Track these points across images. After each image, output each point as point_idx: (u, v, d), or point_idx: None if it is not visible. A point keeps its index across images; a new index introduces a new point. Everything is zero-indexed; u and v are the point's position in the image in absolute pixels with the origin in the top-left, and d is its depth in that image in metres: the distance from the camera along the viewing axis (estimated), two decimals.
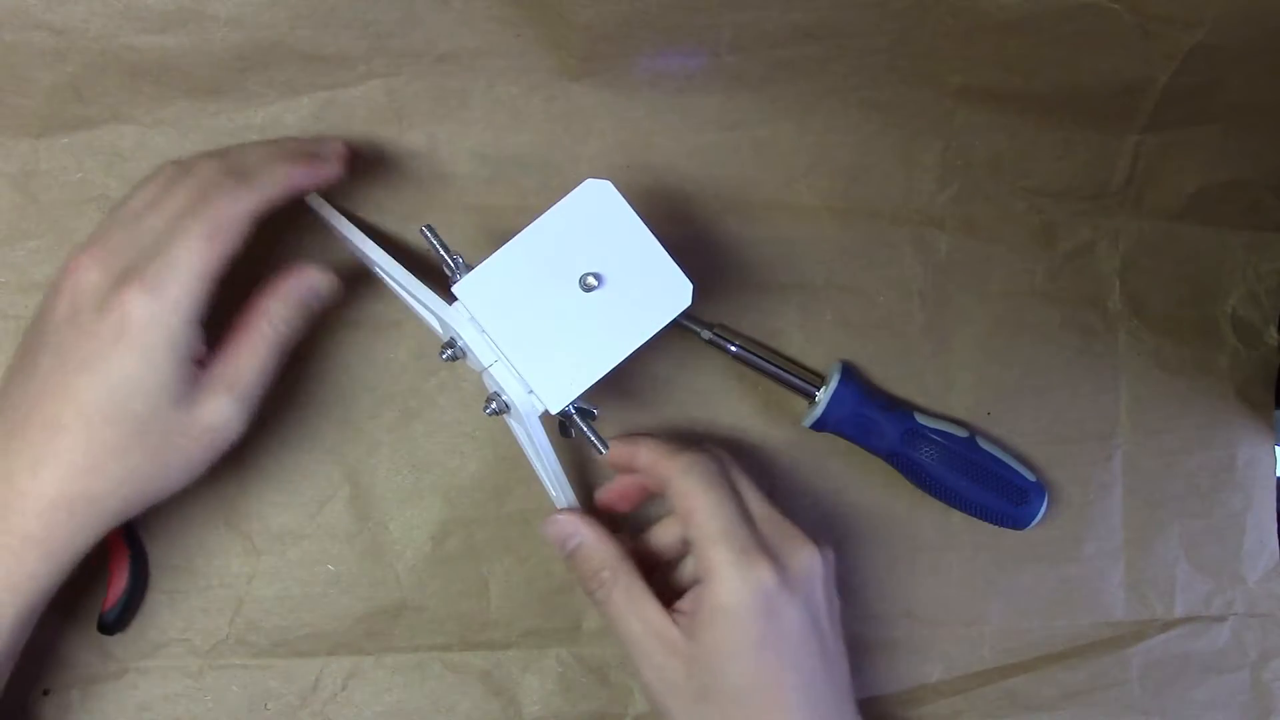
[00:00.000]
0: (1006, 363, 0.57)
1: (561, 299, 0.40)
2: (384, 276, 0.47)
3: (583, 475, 0.53)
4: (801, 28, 0.50)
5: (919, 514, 0.56)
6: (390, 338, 0.51)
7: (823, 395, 0.52)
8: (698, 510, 0.43)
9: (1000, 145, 0.56)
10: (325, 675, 0.50)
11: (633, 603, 0.44)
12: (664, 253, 0.41)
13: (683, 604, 0.44)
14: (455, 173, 0.51)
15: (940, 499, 0.54)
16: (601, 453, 0.43)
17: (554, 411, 0.41)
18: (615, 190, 0.41)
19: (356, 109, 0.50)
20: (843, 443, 0.54)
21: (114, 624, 0.48)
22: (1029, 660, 0.57)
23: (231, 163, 0.41)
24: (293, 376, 0.50)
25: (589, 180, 0.41)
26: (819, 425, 0.53)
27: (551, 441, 0.45)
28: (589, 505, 0.51)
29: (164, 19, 0.45)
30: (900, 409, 0.54)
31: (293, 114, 0.50)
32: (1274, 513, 0.61)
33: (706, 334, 0.52)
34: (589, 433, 0.43)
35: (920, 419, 0.53)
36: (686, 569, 0.48)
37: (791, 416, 0.55)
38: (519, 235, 0.41)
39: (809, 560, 0.43)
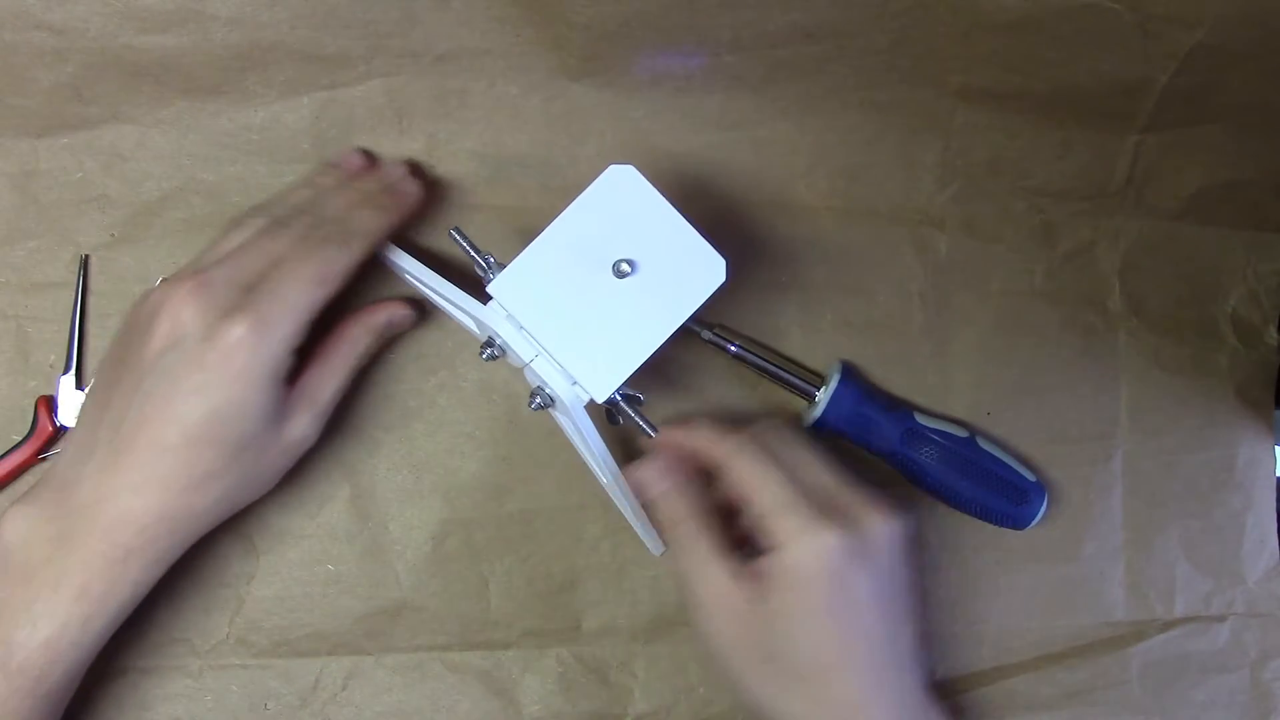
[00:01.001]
0: (1006, 363, 0.57)
1: (596, 288, 0.40)
2: (414, 282, 0.48)
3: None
4: (801, 28, 0.50)
5: (919, 514, 0.56)
6: (390, 337, 0.51)
7: (823, 395, 0.52)
8: (755, 488, 0.43)
9: (1000, 145, 0.56)
10: (325, 675, 0.50)
11: (706, 562, 0.44)
12: (694, 232, 0.41)
13: (755, 564, 0.43)
14: (455, 173, 0.51)
15: (940, 499, 0.54)
16: (651, 436, 0.43)
17: (600, 401, 0.41)
18: (640, 174, 0.41)
19: (356, 109, 0.50)
20: (843, 442, 0.54)
21: None
22: (1029, 660, 0.57)
23: (330, 216, 0.44)
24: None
25: (613, 166, 0.41)
26: (819, 425, 0.53)
27: (599, 430, 0.44)
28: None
29: (164, 19, 0.45)
30: (900, 409, 0.54)
31: (293, 114, 0.50)
32: (1274, 513, 0.61)
33: (706, 334, 0.52)
34: (637, 418, 0.43)
35: (920, 419, 0.53)
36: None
37: (792, 416, 0.55)
38: (548, 228, 0.41)
39: (881, 526, 0.43)
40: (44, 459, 0.48)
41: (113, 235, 0.49)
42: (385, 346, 0.50)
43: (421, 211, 0.49)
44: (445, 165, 0.51)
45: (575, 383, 0.41)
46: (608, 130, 0.52)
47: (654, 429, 0.43)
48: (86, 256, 0.49)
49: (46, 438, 0.48)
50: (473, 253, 0.43)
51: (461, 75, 0.50)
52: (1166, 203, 0.59)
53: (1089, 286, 0.59)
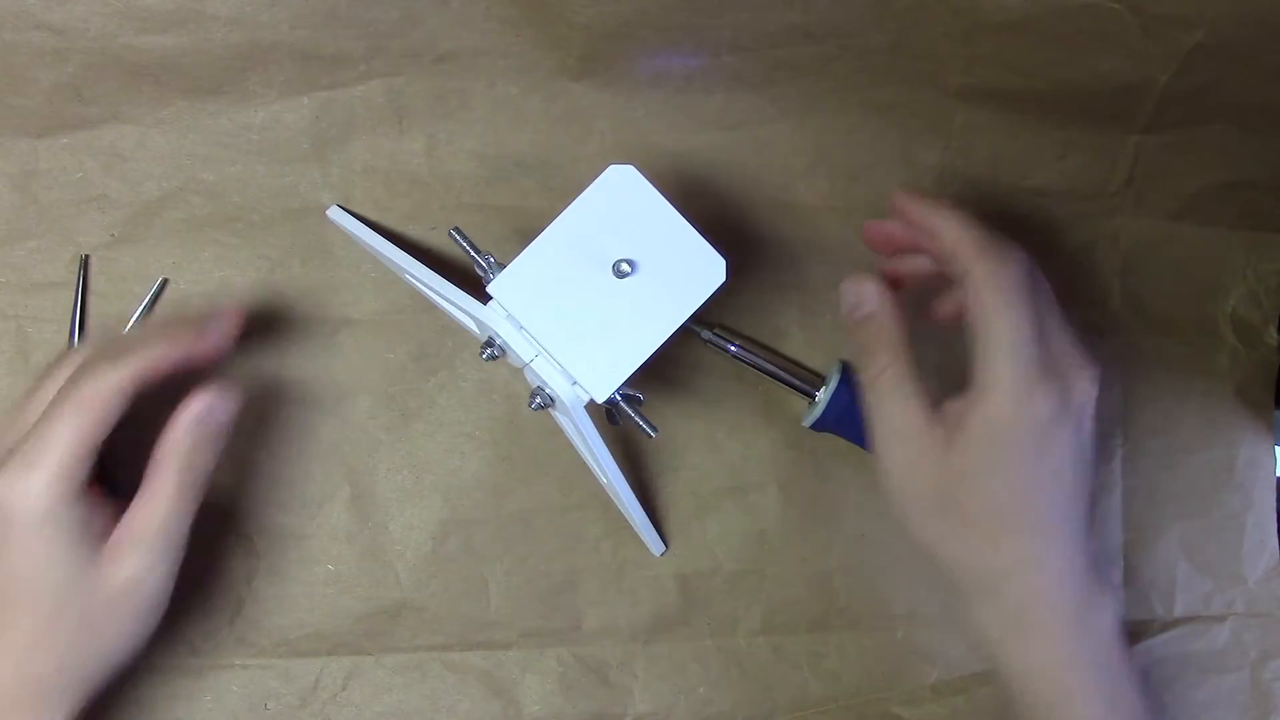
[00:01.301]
0: None
1: (596, 288, 0.40)
2: (415, 283, 0.48)
3: (633, 464, 0.53)
4: (801, 28, 0.50)
5: None
6: (390, 338, 0.51)
7: (823, 395, 0.52)
8: (998, 321, 0.40)
9: (1000, 145, 0.56)
10: (325, 675, 0.50)
11: (902, 397, 0.42)
12: (694, 232, 0.41)
13: (951, 406, 0.42)
14: (455, 173, 0.51)
15: None
16: (651, 436, 0.43)
17: (600, 401, 0.41)
18: (640, 174, 0.41)
19: (356, 109, 0.50)
20: (843, 443, 0.54)
21: None
22: None
23: (106, 344, 0.41)
24: (292, 376, 0.50)
25: (612, 166, 0.41)
26: (819, 425, 0.53)
27: (599, 430, 0.44)
28: (641, 495, 0.51)
29: (164, 19, 0.45)
30: None
31: (293, 114, 0.50)
32: (1274, 513, 0.61)
33: (706, 334, 0.52)
34: (637, 418, 0.43)
35: None
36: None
37: (791, 416, 0.55)
38: (548, 228, 0.41)
39: (1089, 387, 0.41)
40: None
41: (113, 235, 0.49)
42: (319, 324, 0.48)
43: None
44: (445, 165, 0.51)
45: (575, 383, 0.41)
46: (608, 130, 0.52)
47: (654, 429, 0.43)
48: (86, 256, 0.49)
49: None
50: (473, 253, 0.43)
51: (461, 75, 0.50)
52: (1166, 203, 0.59)
53: (1089, 286, 0.59)
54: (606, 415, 0.45)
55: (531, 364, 0.42)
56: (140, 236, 0.49)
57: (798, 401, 0.55)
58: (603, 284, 0.41)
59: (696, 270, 0.41)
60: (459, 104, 0.51)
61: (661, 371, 0.53)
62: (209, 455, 0.41)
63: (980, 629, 0.42)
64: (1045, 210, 0.58)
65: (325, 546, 0.51)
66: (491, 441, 0.52)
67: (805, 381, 0.53)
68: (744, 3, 0.48)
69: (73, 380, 0.39)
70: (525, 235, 0.52)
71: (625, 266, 0.40)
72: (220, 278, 0.50)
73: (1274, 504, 0.61)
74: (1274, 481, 0.61)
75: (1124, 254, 0.59)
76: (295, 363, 0.50)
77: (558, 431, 0.52)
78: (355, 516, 0.51)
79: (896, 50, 0.52)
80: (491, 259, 0.42)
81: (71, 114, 0.48)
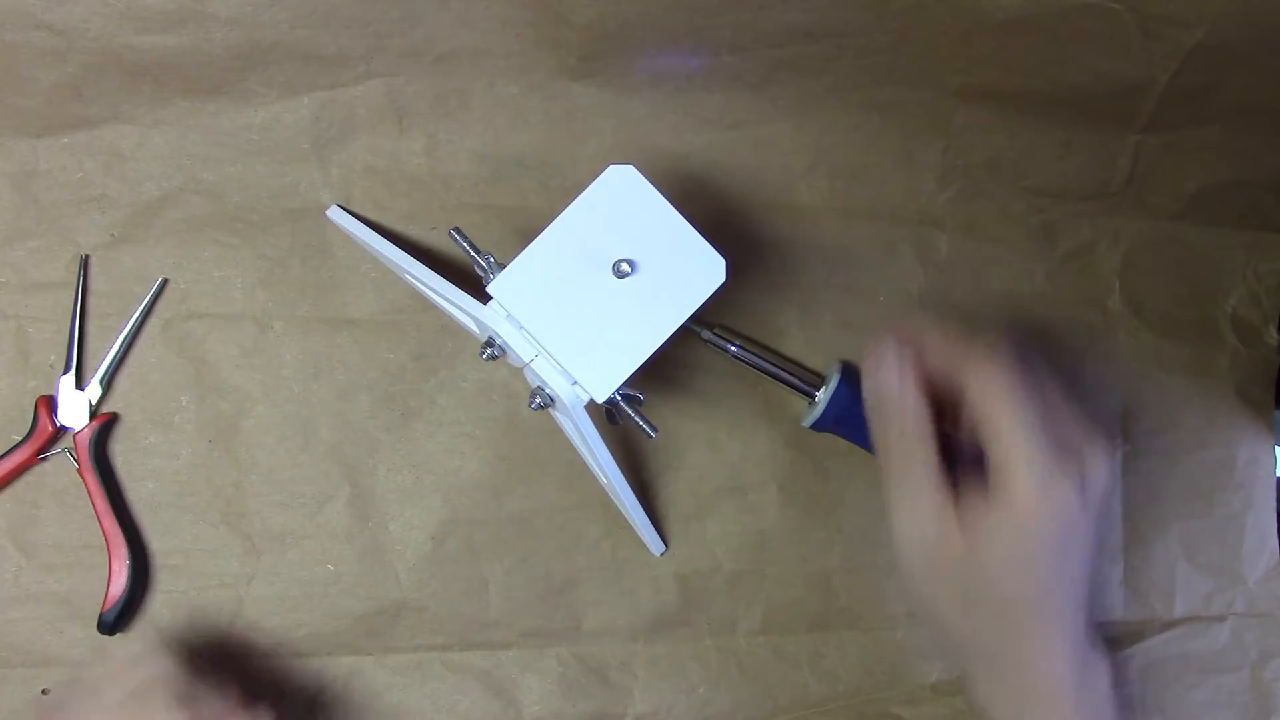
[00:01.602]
0: None
1: (596, 288, 0.40)
2: (415, 283, 0.48)
3: (633, 464, 0.53)
4: (801, 28, 0.50)
5: None
6: (390, 338, 0.51)
7: (823, 395, 0.52)
8: (1005, 418, 0.39)
9: (1000, 145, 0.56)
10: (325, 675, 0.50)
11: (927, 491, 0.41)
12: (694, 232, 0.41)
13: (970, 500, 0.41)
14: (455, 173, 0.51)
15: None
16: (651, 436, 0.43)
17: (600, 401, 0.41)
18: (640, 174, 0.41)
19: (356, 109, 0.50)
20: (843, 443, 0.54)
21: (114, 624, 0.48)
22: None
23: None
24: (292, 376, 0.50)
25: (612, 166, 0.41)
26: (819, 425, 0.53)
27: (600, 430, 0.44)
28: (641, 495, 0.52)
29: (164, 19, 0.45)
30: None
31: (292, 114, 0.50)
32: (1274, 513, 0.61)
33: (706, 334, 0.52)
34: (637, 418, 0.43)
35: None
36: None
37: (791, 416, 0.55)
38: (548, 229, 0.41)
39: (1106, 472, 0.40)
40: (44, 459, 0.48)
41: (113, 235, 0.49)
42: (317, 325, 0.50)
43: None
44: (445, 165, 0.51)
45: (575, 383, 0.41)
46: (608, 130, 0.52)
47: (654, 429, 0.43)
48: (86, 256, 0.49)
49: (46, 438, 0.48)
50: (473, 253, 0.43)
51: (461, 75, 0.50)
52: (1166, 203, 0.59)
53: (1089, 286, 0.59)
54: (606, 415, 0.45)
55: (531, 364, 0.42)
56: (140, 236, 0.49)
57: (798, 401, 0.54)
58: (603, 284, 0.40)
59: (697, 270, 0.41)
60: (459, 104, 0.51)
61: (661, 371, 0.53)
62: None
63: (990, 702, 0.43)
64: (1045, 210, 0.58)
65: (325, 546, 0.50)
66: (491, 441, 0.52)
67: (805, 381, 0.53)
68: (744, 3, 0.48)
69: None
70: (525, 235, 0.52)
71: (625, 266, 0.40)
72: (220, 278, 0.50)
73: (1274, 504, 0.61)
74: (1274, 481, 0.61)
75: (1124, 254, 0.59)
76: (295, 362, 0.50)
77: (558, 431, 0.52)
78: (355, 516, 0.51)
79: (896, 50, 0.52)
80: (492, 259, 0.42)
81: (71, 114, 0.48)
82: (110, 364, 0.49)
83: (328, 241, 0.51)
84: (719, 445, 0.54)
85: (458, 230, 0.44)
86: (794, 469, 0.55)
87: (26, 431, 0.48)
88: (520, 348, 0.41)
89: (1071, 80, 0.53)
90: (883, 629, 0.56)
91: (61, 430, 0.48)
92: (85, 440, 0.48)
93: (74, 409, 0.48)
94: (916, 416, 0.42)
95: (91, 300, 0.49)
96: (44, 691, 0.48)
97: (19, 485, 0.48)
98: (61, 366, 0.48)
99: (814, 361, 0.55)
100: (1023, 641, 0.41)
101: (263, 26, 0.46)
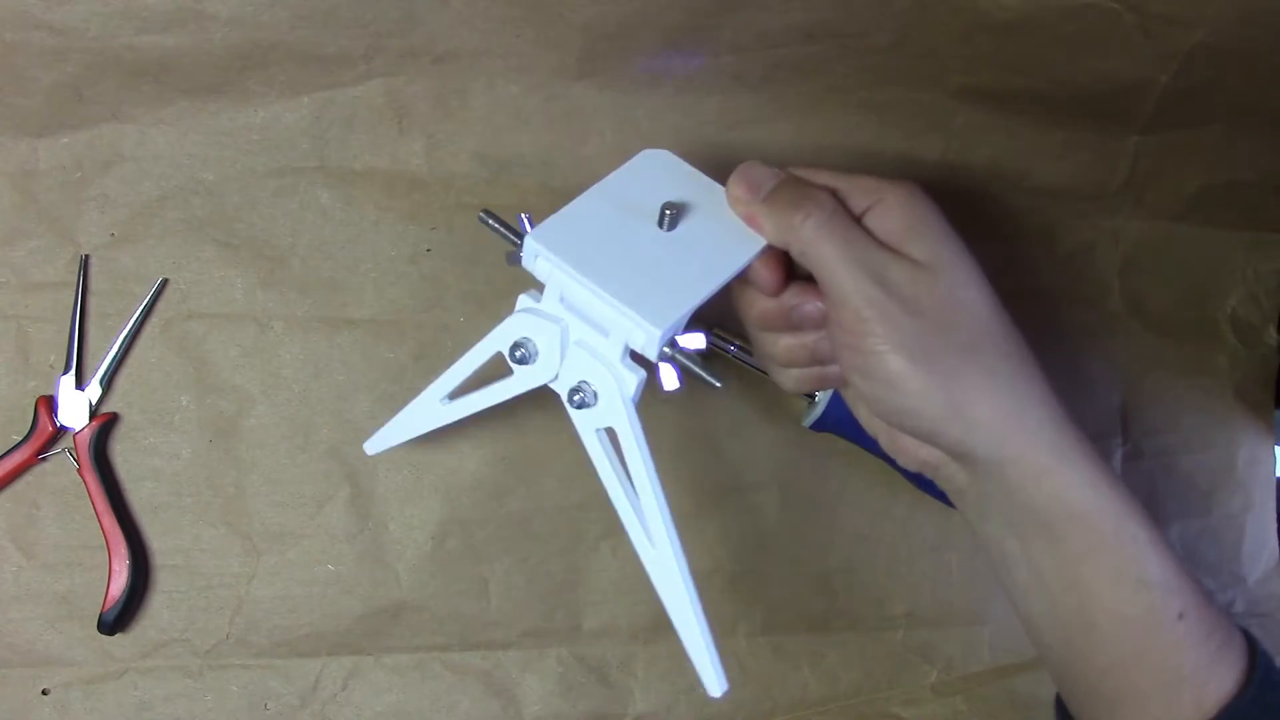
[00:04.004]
0: None
1: (642, 238, 0.38)
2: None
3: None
4: (801, 28, 0.50)
5: (919, 514, 0.56)
6: (390, 338, 0.51)
7: (823, 395, 0.52)
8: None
9: (1000, 145, 0.56)
10: (325, 675, 0.50)
11: (866, 246, 0.37)
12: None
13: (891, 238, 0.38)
14: (455, 173, 0.51)
15: (940, 499, 0.54)
16: (717, 387, 0.38)
17: (661, 331, 0.36)
18: (675, 157, 0.40)
19: (356, 109, 0.50)
20: (843, 443, 0.54)
21: (114, 624, 0.48)
22: (1029, 660, 0.57)
23: None
24: (292, 376, 0.50)
25: (645, 150, 0.41)
26: (819, 425, 0.53)
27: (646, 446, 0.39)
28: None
29: (164, 19, 0.45)
30: None
31: (292, 114, 0.50)
32: (1274, 513, 0.61)
33: (707, 335, 0.52)
34: (699, 368, 0.38)
35: None
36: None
37: (791, 416, 0.55)
38: (585, 192, 0.39)
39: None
40: (44, 459, 0.48)
41: (113, 235, 0.49)
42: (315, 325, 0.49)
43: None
44: (445, 165, 0.51)
45: (633, 324, 0.36)
46: (608, 130, 0.52)
47: (718, 380, 0.38)
48: (86, 256, 0.49)
49: (46, 438, 0.48)
50: (505, 231, 0.40)
51: (461, 75, 0.50)
52: (1166, 203, 0.59)
53: (1089, 286, 0.59)
54: (661, 376, 0.39)
55: (578, 341, 0.38)
56: (140, 236, 0.49)
57: (798, 401, 0.54)
58: (648, 234, 0.38)
59: (741, 230, 0.39)
60: (459, 104, 0.51)
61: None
62: None
63: (982, 433, 0.37)
64: (1045, 210, 0.58)
65: (325, 546, 0.50)
66: (491, 441, 0.52)
67: None
68: (744, 3, 0.48)
69: None
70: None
71: (672, 210, 0.38)
72: (220, 277, 0.50)
73: (1274, 504, 0.61)
74: (1274, 481, 0.61)
75: (1124, 254, 0.59)
76: (295, 362, 0.50)
77: (558, 431, 0.52)
78: (355, 516, 0.51)
79: (896, 50, 0.52)
80: (527, 217, 0.40)
81: (71, 114, 0.48)
82: (110, 364, 0.49)
83: (327, 241, 0.51)
84: (719, 445, 0.54)
85: (487, 212, 0.41)
86: (794, 469, 0.55)
87: (26, 431, 0.48)
88: (559, 305, 0.38)
89: (1071, 80, 0.53)
90: (883, 629, 0.56)
91: (61, 430, 0.48)
92: (85, 440, 0.48)
93: (74, 409, 0.48)
94: (812, 181, 0.39)
95: (91, 300, 0.49)
96: (44, 692, 0.48)
97: (19, 485, 0.48)
98: (61, 366, 0.48)
99: None
100: (1004, 372, 0.37)
101: (263, 26, 0.46)
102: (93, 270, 0.49)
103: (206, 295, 0.50)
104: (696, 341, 0.38)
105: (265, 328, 0.50)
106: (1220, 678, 0.36)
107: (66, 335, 0.48)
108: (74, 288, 0.49)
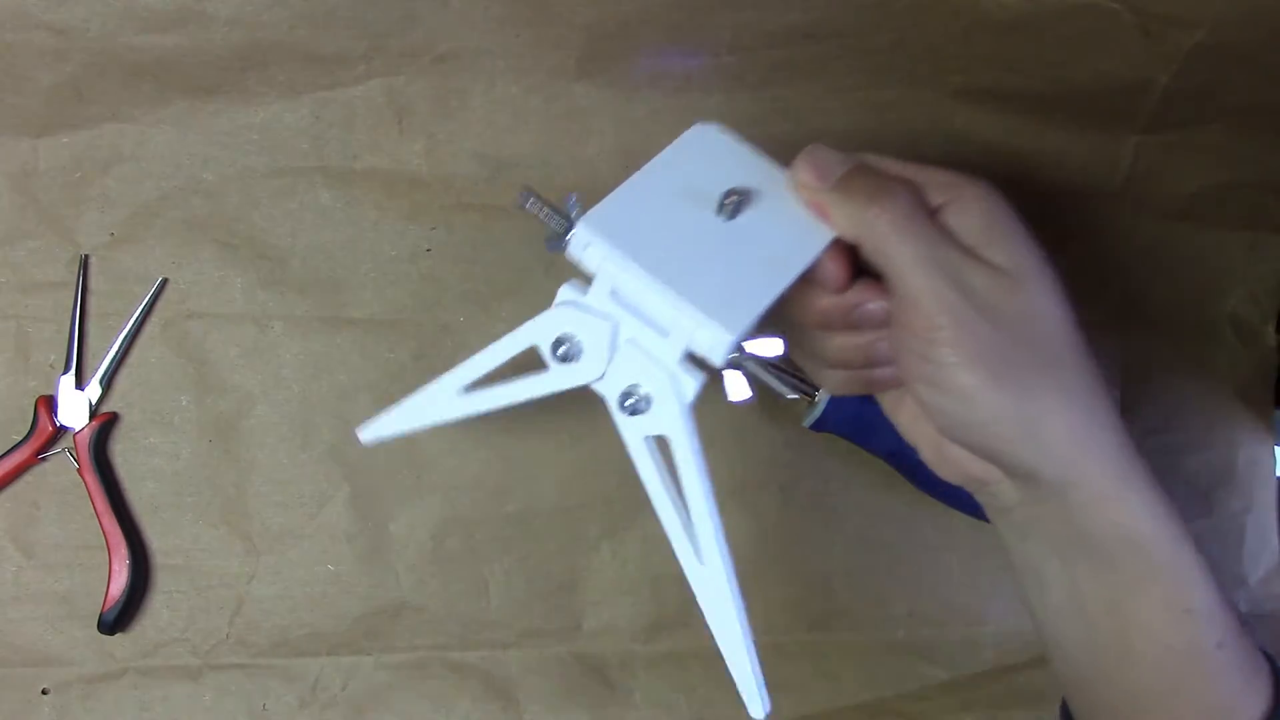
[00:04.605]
0: None
1: (702, 227, 0.35)
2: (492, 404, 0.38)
3: (632, 466, 0.52)
4: (801, 28, 0.50)
5: (919, 514, 0.56)
6: (390, 338, 0.51)
7: (823, 395, 0.52)
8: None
9: (1000, 145, 0.56)
10: (325, 675, 0.50)
11: (942, 244, 0.34)
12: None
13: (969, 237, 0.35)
14: (455, 173, 0.51)
15: (940, 499, 0.54)
16: (787, 398, 0.36)
17: (734, 336, 0.33)
18: (729, 133, 0.37)
19: (356, 109, 0.50)
20: (843, 443, 0.54)
21: (114, 624, 0.48)
22: (1029, 660, 0.57)
23: None
24: (292, 376, 0.50)
25: (697, 124, 0.37)
26: (819, 425, 0.53)
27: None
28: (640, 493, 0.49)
29: (164, 19, 0.45)
30: None
31: (292, 114, 0.50)
32: (1274, 513, 0.61)
33: None
34: (772, 377, 0.36)
35: None
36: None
37: (791, 416, 0.55)
38: (636, 173, 0.36)
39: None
40: (44, 459, 0.48)
41: (113, 235, 0.49)
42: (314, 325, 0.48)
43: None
44: (445, 165, 0.51)
45: (686, 352, 0.33)
46: (608, 130, 0.52)
47: (791, 391, 0.36)
48: (86, 256, 0.49)
49: (46, 438, 0.48)
50: (549, 215, 0.36)
51: (461, 75, 0.50)
52: (1166, 203, 0.59)
53: (1089, 286, 0.59)
54: (726, 384, 0.37)
55: (630, 340, 0.34)
56: (140, 236, 0.49)
57: (798, 401, 0.54)
58: (709, 223, 0.35)
59: (806, 218, 0.36)
60: (459, 104, 0.51)
61: None
62: None
63: (1048, 451, 0.35)
64: (1045, 210, 0.58)
65: (325, 546, 0.50)
66: (491, 441, 0.52)
67: (805, 381, 0.53)
68: (744, 2, 0.48)
69: None
70: (527, 236, 0.52)
71: (734, 199, 0.34)
72: (220, 277, 0.50)
73: (1274, 504, 0.61)
74: (1274, 481, 0.61)
75: (1124, 254, 0.59)
76: (295, 362, 0.50)
77: (558, 431, 0.52)
78: (355, 516, 0.51)
79: (896, 50, 0.52)
80: (576, 198, 0.35)
81: (71, 114, 0.48)
82: (110, 364, 0.49)
83: (327, 242, 0.51)
84: (719, 445, 0.54)
85: (528, 190, 0.36)
86: (794, 469, 0.55)
87: (26, 431, 0.48)
88: (609, 300, 0.34)
89: (1071, 80, 0.53)
90: (883, 629, 0.56)
91: (61, 430, 0.48)
92: (85, 440, 0.48)
93: (74, 409, 0.48)
94: (886, 168, 0.38)
95: (91, 300, 0.49)
96: (44, 692, 0.48)
97: (19, 485, 0.48)
98: (61, 366, 0.48)
99: None
100: (1077, 386, 0.35)
101: (263, 26, 0.46)
102: (93, 270, 0.49)
103: (206, 295, 0.50)
104: (772, 348, 0.35)
105: (265, 328, 0.50)
106: (1250, 705, 0.36)
107: (66, 335, 0.48)
108: (74, 288, 0.49)
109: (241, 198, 0.50)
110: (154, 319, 0.50)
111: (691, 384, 0.34)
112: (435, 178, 0.51)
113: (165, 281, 0.50)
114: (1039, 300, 0.35)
